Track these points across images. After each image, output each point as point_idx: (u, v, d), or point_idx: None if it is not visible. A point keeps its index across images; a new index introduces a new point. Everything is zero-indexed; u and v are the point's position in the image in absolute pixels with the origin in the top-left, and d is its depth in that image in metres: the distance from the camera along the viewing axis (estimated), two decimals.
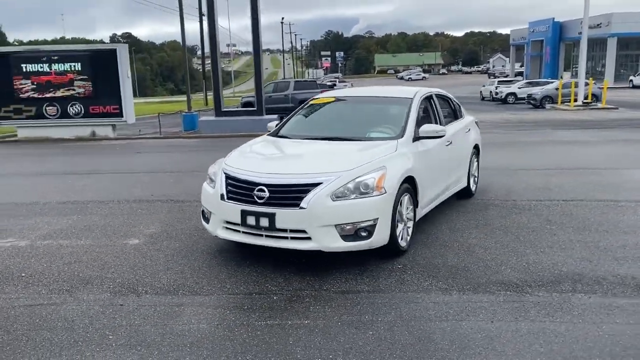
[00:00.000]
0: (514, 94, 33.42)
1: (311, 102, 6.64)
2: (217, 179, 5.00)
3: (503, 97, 33.62)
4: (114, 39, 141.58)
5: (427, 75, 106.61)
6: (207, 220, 5.11)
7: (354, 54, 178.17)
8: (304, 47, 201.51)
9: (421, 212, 5.54)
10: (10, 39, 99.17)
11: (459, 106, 7.50)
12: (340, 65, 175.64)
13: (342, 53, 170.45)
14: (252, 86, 22.90)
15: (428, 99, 6.43)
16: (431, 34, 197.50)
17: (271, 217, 4.49)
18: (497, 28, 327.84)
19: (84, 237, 5.86)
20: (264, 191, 4.56)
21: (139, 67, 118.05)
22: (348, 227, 4.47)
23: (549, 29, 58.02)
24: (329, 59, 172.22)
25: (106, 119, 17.44)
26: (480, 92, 39.16)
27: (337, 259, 4.87)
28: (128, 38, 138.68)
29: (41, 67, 17.08)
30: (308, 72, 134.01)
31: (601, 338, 3.37)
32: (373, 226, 4.53)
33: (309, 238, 4.48)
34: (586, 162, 10.15)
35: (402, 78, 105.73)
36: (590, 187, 7.86)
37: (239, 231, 4.74)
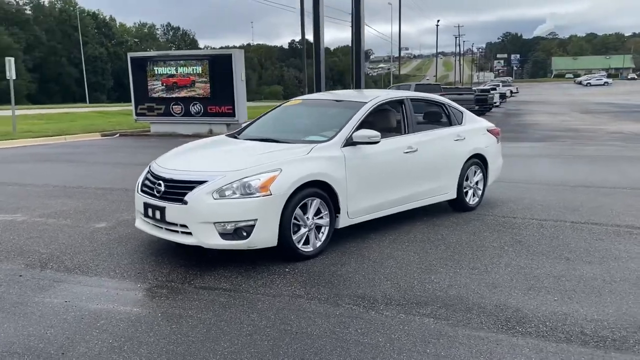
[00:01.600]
0: None
1: (283, 105, 6.76)
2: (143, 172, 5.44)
3: None
4: (292, 44, 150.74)
5: (610, 80, 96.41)
6: None
7: (532, 56, 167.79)
8: (479, 50, 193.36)
9: (351, 219, 5.40)
10: (201, 45, 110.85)
11: (460, 112, 7.02)
12: (515, 68, 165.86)
13: (517, 56, 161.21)
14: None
15: (395, 103, 6.21)
16: (627, 34, 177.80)
17: (162, 210, 4.80)
18: None
19: (70, 218, 6.69)
20: (161, 185, 4.88)
21: (310, 72, 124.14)
22: (227, 226, 4.59)
23: None
24: (502, 61, 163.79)
25: (221, 118, 18.97)
26: None
27: (254, 258, 5.00)
28: (304, 44, 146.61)
29: (169, 70, 19.14)
30: (477, 75, 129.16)
31: None
32: (252, 227, 4.59)
33: (190, 233, 4.70)
34: None
35: (580, 83, 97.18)
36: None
37: (149, 223, 5.11)
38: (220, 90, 18.71)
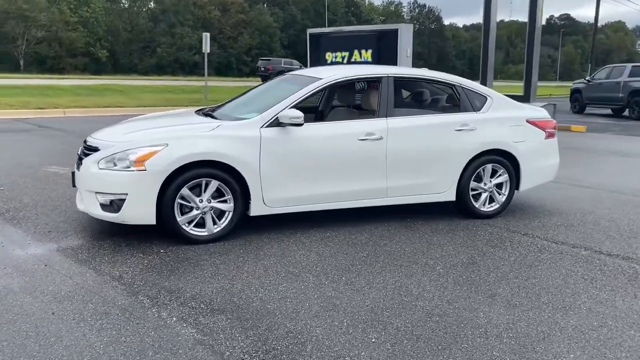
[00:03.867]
0: None
1: (274, 79, 6.30)
2: None
3: None
4: (550, 20, 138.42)
5: None
6: None
7: None
8: None
9: (271, 208, 4.87)
10: (446, 22, 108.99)
11: (483, 97, 5.68)
12: None
13: None
14: None
15: (366, 82, 5.37)
16: None
17: (73, 176, 4.97)
18: None
19: None
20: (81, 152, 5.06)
21: (569, 50, 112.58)
22: (104, 197, 4.56)
23: None
24: None
25: None
26: None
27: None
28: (565, 19, 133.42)
29: (341, 46, 19.37)
30: None
31: None
32: (122, 201, 4.47)
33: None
34: None
35: None
36: None
37: None
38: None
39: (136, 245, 4.60)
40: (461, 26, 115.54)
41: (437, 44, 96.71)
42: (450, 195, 5.48)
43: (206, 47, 19.79)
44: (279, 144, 4.79)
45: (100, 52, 60.03)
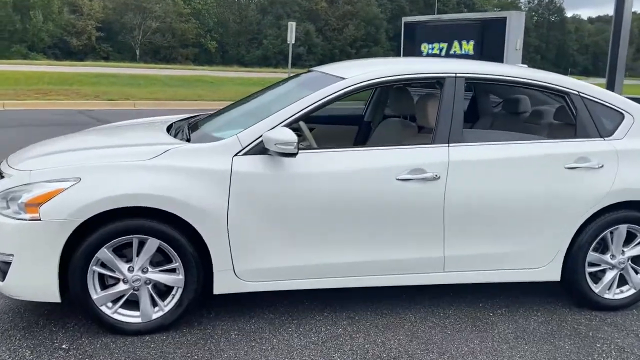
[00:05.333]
0: None
1: (292, 76, 4.40)
2: None
3: None
4: None
5: None
6: None
7: None
8: None
9: (247, 283, 3.07)
10: (569, 14, 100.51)
11: (617, 113, 3.48)
12: None
13: None
14: None
15: (425, 84, 3.38)
16: None
17: None
18: None
19: None
20: None
21: None
22: None
23: None
24: None
25: None
26: None
27: None
28: None
29: (439, 36, 17.08)
30: None
31: None
32: (7, 264, 2.88)
33: None
34: None
35: None
36: None
37: None
38: (486, 58, 15.72)
39: (38, 330, 3.00)
40: (585, 18, 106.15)
41: (557, 37, 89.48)
42: (552, 273, 3.38)
43: (291, 38, 18.31)
44: (262, 183, 2.99)
45: (209, 43, 61.28)
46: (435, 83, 3.39)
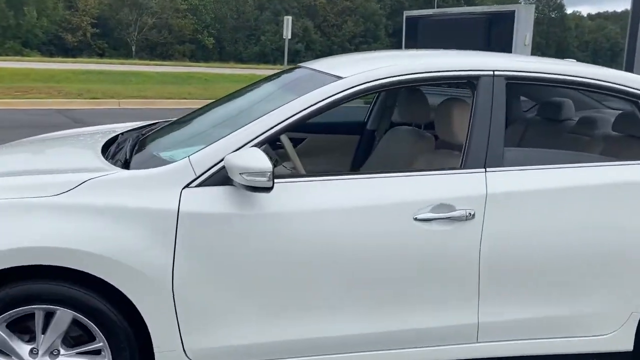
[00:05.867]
0: None
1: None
2: None
3: None
4: None
5: None
6: None
7: None
8: None
9: None
10: (569, 11, 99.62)
11: None
12: None
13: None
14: None
15: (452, 84, 2.70)
16: None
17: None
18: None
19: None
20: None
21: None
22: None
23: None
24: None
25: None
26: None
27: None
28: None
29: (443, 31, 16.19)
30: None
31: None
32: None
33: None
34: None
35: None
36: None
37: None
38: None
39: None
40: (585, 15, 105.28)
41: (557, 34, 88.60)
42: (623, 341, 2.49)
43: (287, 33, 17.39)
44: (223, 228, 2.11)
45: (207, 39, 60.37)
46: (466, 84, 2.49)
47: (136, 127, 3.26)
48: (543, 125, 3.41)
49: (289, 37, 17.68)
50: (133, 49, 55.86)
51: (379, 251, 2.20)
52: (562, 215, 2.32)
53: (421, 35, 16.22)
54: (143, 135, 2.94)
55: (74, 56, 41.93)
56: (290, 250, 2.14)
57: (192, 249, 2.07)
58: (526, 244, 2.30)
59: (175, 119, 3.20)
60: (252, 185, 2.00)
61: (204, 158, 2.14)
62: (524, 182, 2.32)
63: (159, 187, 2.09)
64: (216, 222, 2.09)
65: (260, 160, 2.00)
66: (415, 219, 2.22)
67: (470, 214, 2.25)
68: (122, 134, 3.02)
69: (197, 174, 2.12)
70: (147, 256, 2.03)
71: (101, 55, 47.48)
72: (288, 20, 17.55)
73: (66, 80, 18.20)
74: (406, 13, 17.15)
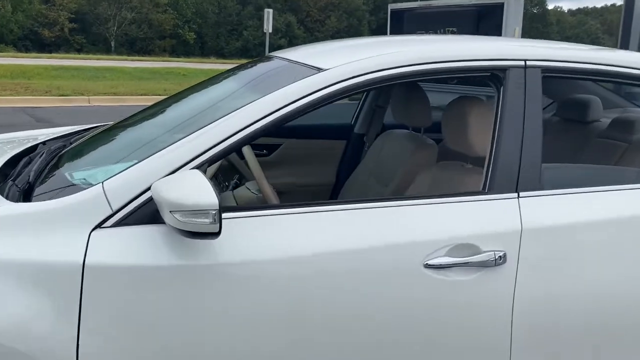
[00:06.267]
0: None
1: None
2: None
3: None
4: None
5: None
6: None
7: None
8: None
9: None
10: (550, 6, 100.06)
11: None
12: None
13: None
14: None
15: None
16: None
17: None
18: None
19: None
20: None
21: None
22: None
23: None
24: None
25: (480, 89, 14.69)
26: None
27: None
28: None
29: (429, 25, 15.67)
30: None
31: None
32: None
33: None
34: None
35: None
36: None
37: None
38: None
39: None
40: (566, 10, 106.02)
41: (539, 29, 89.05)
42: None
43: (268, 26, 16.70)
44: (147, 288, 1.43)
45: (187, 34, 59.35)
46: (488, 78, 1.87)
47: (67, 132, 2.60)
48: (565, 128, 2.81)
49: (270, 30, 16.98)
50: (112, 44, 54.65)
51: (376, 314, 1.58)
52: (628, 256, 1.72)
53: (407, 29, 15.66)
54: (69, 145, 2.27)
55: (50, 52, 40.73)
56: (249, 319, 1.50)
57: (105, 319, 1.43)
58: (578, 297, 1.70)
59: (112, 123, 2.53)
60: (189, 230, 1.36)
61: (124, 185, 1.49)
62: (573, 212, 1.72)
63: (58, 229, 1.45)
64: (140, 280, 1.45)
65: (202, 191, 1.36)
66: (426, 266, 1.60)
67: (500, 257, 1.64)
68: (43, 142, 2.34)
69: (114, 209, 1.47)
70: (39, 332, 1.39)
71: (79, 51, 46.23)
72: (269, 13, 16.85)
73: (37, 77, 17.38)
74: (391, 6, 16.55)
